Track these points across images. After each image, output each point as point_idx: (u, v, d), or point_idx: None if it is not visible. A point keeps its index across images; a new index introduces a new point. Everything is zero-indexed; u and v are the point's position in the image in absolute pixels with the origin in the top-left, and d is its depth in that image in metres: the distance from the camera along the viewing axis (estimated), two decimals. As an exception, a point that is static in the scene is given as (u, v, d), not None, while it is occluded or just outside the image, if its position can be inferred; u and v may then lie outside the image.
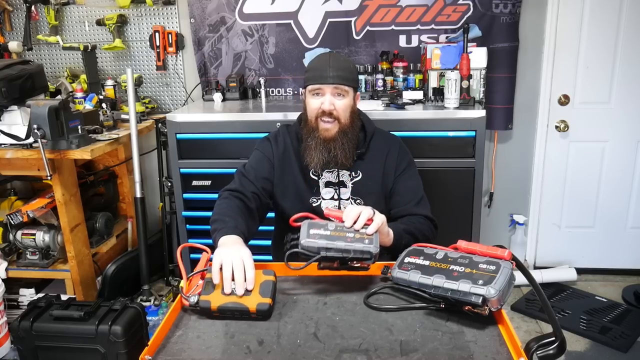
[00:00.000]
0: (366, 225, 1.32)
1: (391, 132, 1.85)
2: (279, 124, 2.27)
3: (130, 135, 2.46)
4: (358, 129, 1.70)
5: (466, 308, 1.14)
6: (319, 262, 1.27)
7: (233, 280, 1.21)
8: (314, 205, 1.71)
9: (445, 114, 2.29)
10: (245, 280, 1.20)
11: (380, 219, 1.36)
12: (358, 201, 1.70)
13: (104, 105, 2.63)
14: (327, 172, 1.69)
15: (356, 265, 1.28)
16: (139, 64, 2.99)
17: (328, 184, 1.70)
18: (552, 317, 1.08)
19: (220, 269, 1.22)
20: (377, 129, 1.77)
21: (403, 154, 1.74)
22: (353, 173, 1.70)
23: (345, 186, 1.70)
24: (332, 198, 1.71)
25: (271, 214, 1.79)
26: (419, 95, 2.48)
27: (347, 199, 1.70)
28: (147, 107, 2.90)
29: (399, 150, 1.74)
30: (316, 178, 1.70)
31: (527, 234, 3.05)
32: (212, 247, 1.41)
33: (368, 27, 2.75)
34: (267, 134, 1.81)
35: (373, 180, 1.71)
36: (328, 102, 1.59)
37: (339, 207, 1.70)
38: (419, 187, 1.73)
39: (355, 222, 1.32)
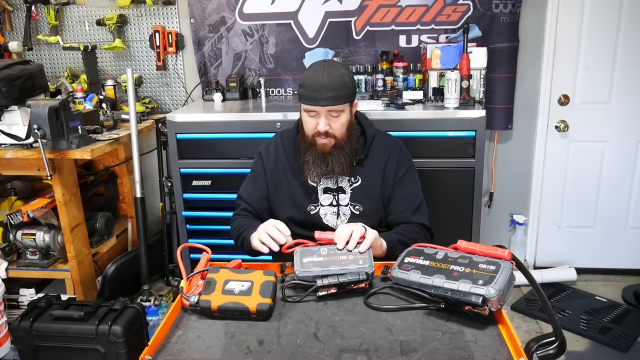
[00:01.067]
0: (358, 243, 1.33)
1: (391, 133, 1.84)
2: (279, 124, 2.28)
3: (130, 135, 2.46)
4: (356, 138, 1.68)
5: (466, 308, 1.14)
6: (317, 291, 1.27)
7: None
8: (312, 212, 1.69)
9: (445, 114, 2.28)
10: (280, 232, 1.42)
11: (372, 234, 1.37)
12: (357, 207, 1.68)
13: (104, 105, 2.63)
14: (325, 178, 1.68)
15: (354, 287, 1.28)
16: (139, 64, 2.99)
17: (326, 190, 1.69)
18: (552, 317, 1.08)
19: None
20: (377, 131, 1.75)
21: (403, 158, 1.73)
22: (352, 179, 1.68)
23: (344, 192, 1.68)
24: (331, 204, 1.69)
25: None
26: (419, 95, 2.48)
27: (346, 205, 1.68)
28: (147, 107, 2.90)
29: (400, 155, 1.72)
30: (314, 185, 1.69)
31: (527, 234, 3.05)
32: (212, 248, 1.42)
33: (368, 27, 2.75)
34: (266, 134, 1.80)
35: (372, 186, 1.69)
36: (323, 123, 1.58)
37: (338, 214, 1.69)
38: (417, 193, 1.71)
39: (347, 243, 1.33)
